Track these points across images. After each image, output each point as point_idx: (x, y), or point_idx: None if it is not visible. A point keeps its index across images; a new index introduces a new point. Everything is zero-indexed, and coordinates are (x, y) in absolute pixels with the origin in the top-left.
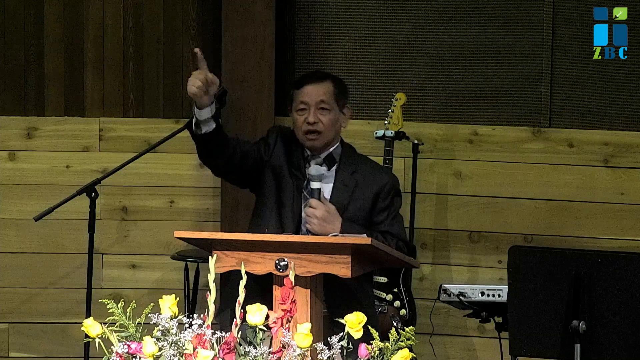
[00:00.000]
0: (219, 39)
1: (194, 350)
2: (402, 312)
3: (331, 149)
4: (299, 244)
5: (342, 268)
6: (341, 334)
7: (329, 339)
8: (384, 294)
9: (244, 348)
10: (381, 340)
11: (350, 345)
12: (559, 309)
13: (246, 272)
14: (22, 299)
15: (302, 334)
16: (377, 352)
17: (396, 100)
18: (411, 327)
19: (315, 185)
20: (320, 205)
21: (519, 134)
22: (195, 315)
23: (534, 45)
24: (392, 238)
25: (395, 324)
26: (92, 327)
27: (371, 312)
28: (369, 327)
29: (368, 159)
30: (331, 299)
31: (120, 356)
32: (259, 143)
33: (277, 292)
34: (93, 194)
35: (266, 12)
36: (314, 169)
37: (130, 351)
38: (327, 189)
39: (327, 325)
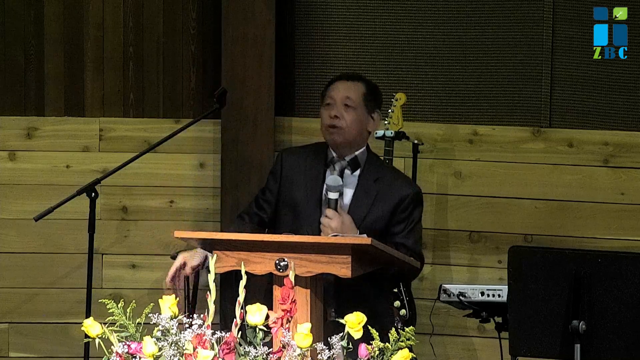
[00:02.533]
0: (219, 39)
1: (194, 350)
2: (402, 312)
3: (356, 153)
4: (299, 244)
5: (342, 268)
6: (341, 334)
7: (329, 339)
8: None
9: (244, 348)
10: (381, 340)
11: (350, 345)
12: (559, 309)
13: (250, 274)
14: (22, 299)
15: (302, 334)
16: (377, 352)
17: (396, 100)
18: (411, 327)
19: (332, 195)
20: (336, 216)
21: (519, 134)
22: (195, 315)
23: (534, 45)
24: (406, 251)
25: (395, 324)
26: (92, 327)
27: (388, 323)
28: (369, 327)
29: (392, 167)
30: (345, 306)
31: (120, 356)
32: (268, 180)
33: (277, 292)
34: (93, 194)
35: (266, 12)
36: (331, 179)
37: (130, 351)
38: (348, 194)
39: (335, 330)
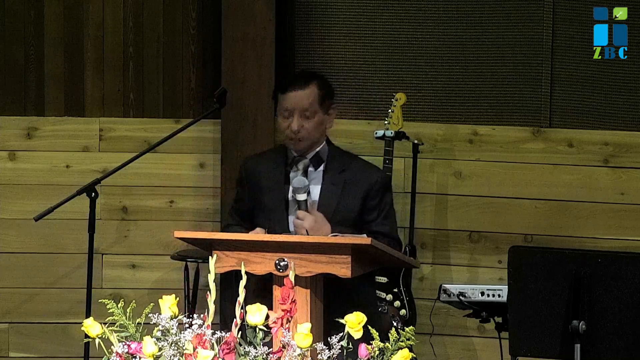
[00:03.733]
0: (219, 39)
1: (194, 350)
2: (402, 312)
3: (317, 149)
4: (299, 244)
5: (342, 268)
6: (341, 334)
7: (328, 339)
8: (384, 294)
9: (244, 348)
10: (381, 340)
11: (350, 345)
12: (559, 309)
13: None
14: (22, 299)
15: (302, 334)
16: (377, 352)
17: (396, 100)
18: (411, 327)
19: (300, 197)
20: (308, 216)
21: (519, 134)
22: (195, 315)
23: (534, 45)
24: (382, 238)
25: (395, 324)
26: (92, 327)
27: (373, 312)
28: (369, 327)
29: (357, 157)
30: (331, 301)
31: (120, 356)
32: (237, 191)
33: (277, 292)
34: (93, 194)
35: (266, 12)
36: (297, 181)
37: (130, 351)
38: (315, 190)
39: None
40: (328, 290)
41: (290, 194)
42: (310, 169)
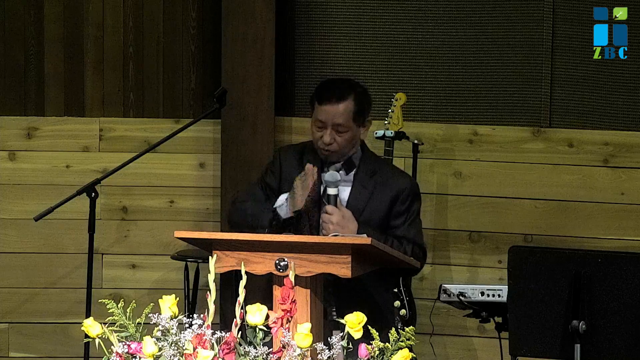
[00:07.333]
0: (219, 39)
1: (194, 350)
2: (402, 312)
3: (350, 155)
4: (299, 244)
5: (342, 268)
6: (341, 334)
7: (329, 339)
8: None
9: (244, 348)
10: (384, 338)
11: (350, 345)
12: (559, 309)
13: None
14: (22, 299)
15: (302, 334)
16: (377, 352)
17: (396, 100)
18: (411, 327)
19: (331, 191)
20: (336, 211)
21: (519, 134)
22: (195, 315)
23: (534, 45)
24: (407, 243)
25: (395, 323)
26: (92, 327)
27: (390, 317)
28: (369, 327)
29: (389, 162)
30: (352, 306)
31: (120, 356)
32: (267, 175)
33: (277, 292)
34: (93, 194)
35: (266, 12)
36: (329, 175)
37: (130, 351)
38: (345, 192)
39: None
40: (349, 294)
41: (322, 191)
42: (342, 172)
